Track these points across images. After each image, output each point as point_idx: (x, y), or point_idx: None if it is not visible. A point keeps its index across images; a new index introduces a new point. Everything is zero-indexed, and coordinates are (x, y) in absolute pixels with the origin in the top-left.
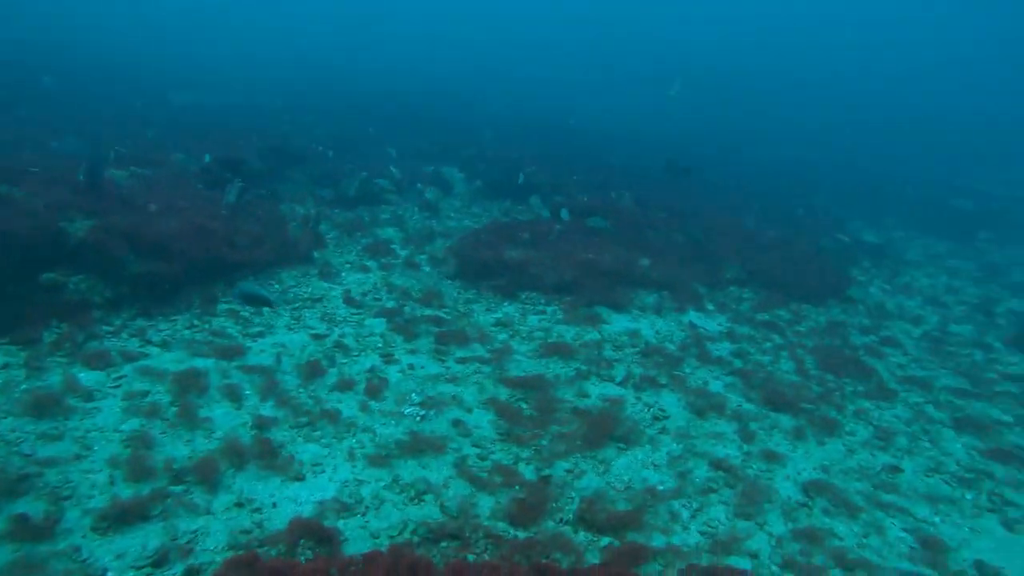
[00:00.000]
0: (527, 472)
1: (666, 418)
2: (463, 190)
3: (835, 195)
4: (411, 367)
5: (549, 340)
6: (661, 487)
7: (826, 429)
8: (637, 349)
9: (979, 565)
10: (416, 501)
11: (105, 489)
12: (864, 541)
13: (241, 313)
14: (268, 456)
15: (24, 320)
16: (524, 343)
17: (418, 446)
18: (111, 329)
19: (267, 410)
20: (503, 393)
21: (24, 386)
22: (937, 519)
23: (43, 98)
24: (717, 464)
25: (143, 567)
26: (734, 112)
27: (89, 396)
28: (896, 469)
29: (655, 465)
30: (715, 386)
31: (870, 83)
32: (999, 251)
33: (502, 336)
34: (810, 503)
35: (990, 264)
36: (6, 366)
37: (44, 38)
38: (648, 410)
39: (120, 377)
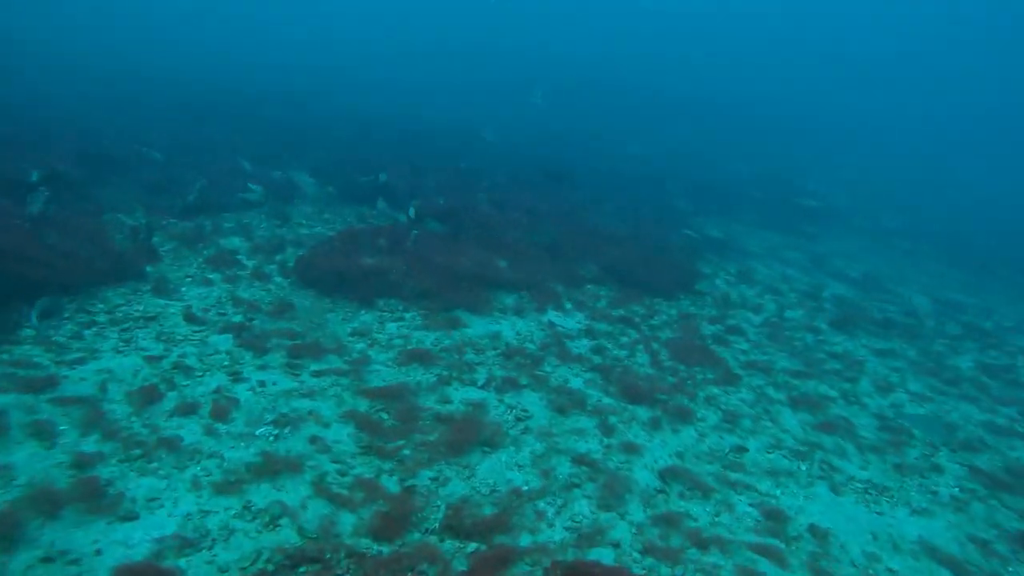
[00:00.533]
0: (390, 484)
1: (529, 418)
2: (315, 195)
3: (685, 193)
4: (262, 384)
5: (408, 347)
6: (526, 487)
7: (680, 417)
8: (498, 351)
9: (812, 528)
10: (271, 527)
11: None
12: (716, 519)
13: (54, 338)
14: (90, 497)
15: None
16: (383, 352)
17: (272, 467)
18: None
19: (89, 446)
20: (363, 405)
21: None
22: (778, 491)
23: None
24: (579, 459)
25: None
26: (593, 115)
27: None
28: (742, 449)
29: (519, 466)
30: (575, 383)
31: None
32: (823, 243)
33: (359, 346)
34: (667, 489)
35: (817, 254)
36: None
37: None
38: (511, 411)
39: None
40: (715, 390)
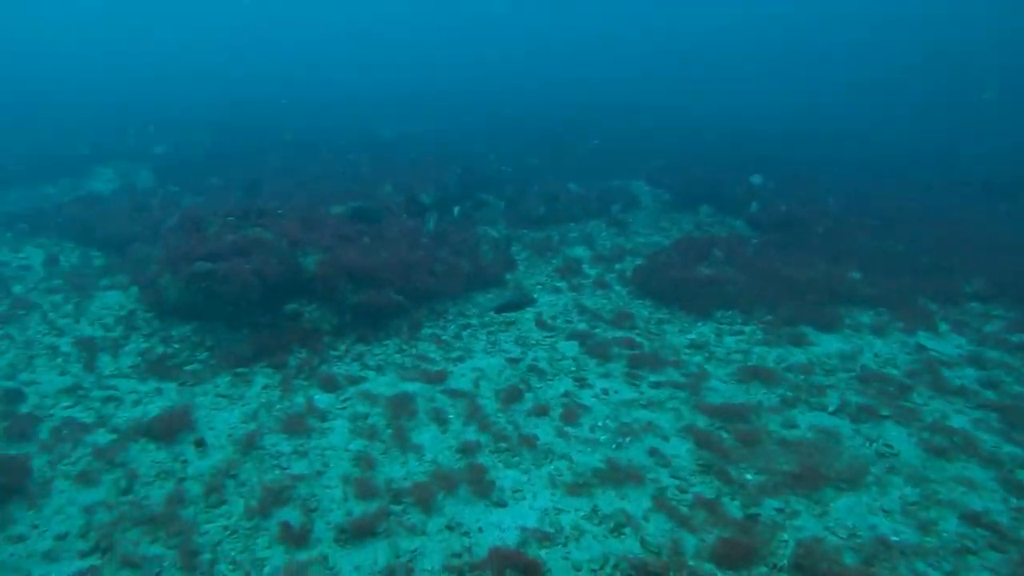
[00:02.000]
0: (732, 508)
1: (894, 455)
2: (651, 204)
3: None
4: (605, 392)
5: (748, 363)
6: (896, 538)
7: None
8: (852, 374)
9: None
10: (616, 534)
11: (340, 504)
12: None
13: (442, 337)
14: (473, 481)
15: (275, 346)
16: (721, 366)
17: (616, 475)
18: (337, 354)
19: (470, 435)
20: (701, 421)
21: (279, 406)
22: None
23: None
24: (973, 519)
25: None
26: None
27: (323, 417)
28: None
29: (885, 511)
30: (958, 421)
31: None
32: None
33: (697, 359)
34: None
35: None
36: (266, 387)
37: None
38: (870, 445)
39: (346, 399)
40: None
